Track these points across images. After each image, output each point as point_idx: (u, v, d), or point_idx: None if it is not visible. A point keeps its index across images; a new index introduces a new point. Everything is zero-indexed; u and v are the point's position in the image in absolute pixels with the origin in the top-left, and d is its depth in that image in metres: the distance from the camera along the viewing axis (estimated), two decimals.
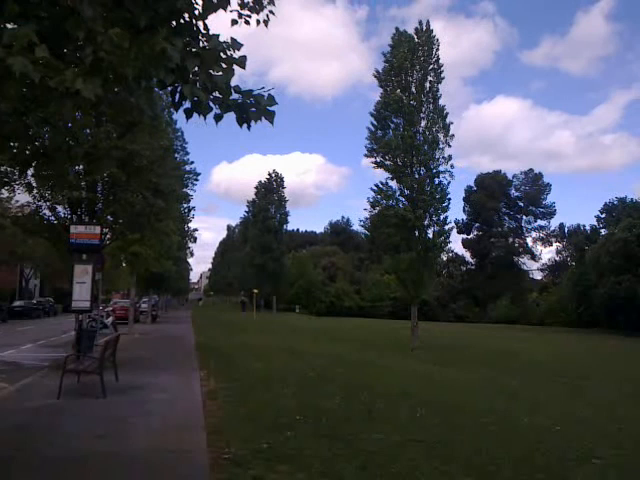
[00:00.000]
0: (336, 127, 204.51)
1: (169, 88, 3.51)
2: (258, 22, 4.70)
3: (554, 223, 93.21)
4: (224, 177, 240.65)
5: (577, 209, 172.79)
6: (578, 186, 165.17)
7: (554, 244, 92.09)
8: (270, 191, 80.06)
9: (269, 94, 3.52)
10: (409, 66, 30.20)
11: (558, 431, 9.65)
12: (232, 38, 3.61)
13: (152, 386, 12.31)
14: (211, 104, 3.55)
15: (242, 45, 3.61)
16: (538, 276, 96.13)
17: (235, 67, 3.73)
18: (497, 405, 12.19)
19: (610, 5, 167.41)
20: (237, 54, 3.73)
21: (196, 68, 3.47)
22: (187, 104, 3.59)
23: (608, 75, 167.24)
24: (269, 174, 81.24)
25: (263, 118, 3.53)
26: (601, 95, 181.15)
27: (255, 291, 57.65)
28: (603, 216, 74.17)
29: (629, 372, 22.52)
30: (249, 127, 3.57)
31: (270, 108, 3.49)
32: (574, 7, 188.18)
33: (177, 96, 3.47)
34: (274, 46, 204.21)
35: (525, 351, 30.10)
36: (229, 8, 4.08)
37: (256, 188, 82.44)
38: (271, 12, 4.69)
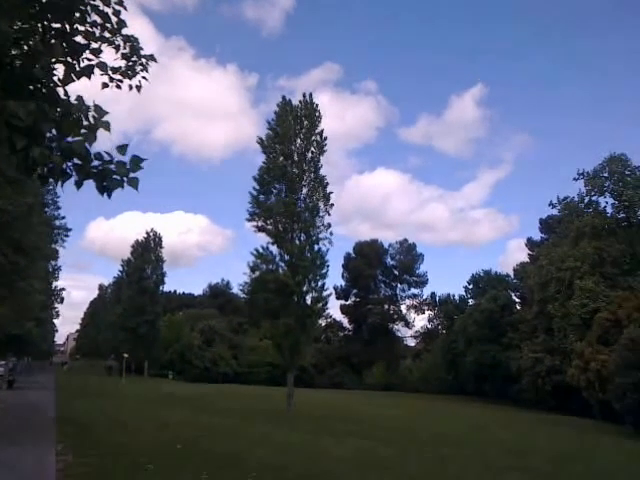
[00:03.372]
0: (223, 189, 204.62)
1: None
2: (130, 87, 4.61)
3: (426, 292, 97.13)
4: (100, 234, 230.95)
5: (448, 279, 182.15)
6: (449, 257, 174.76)
7: (426, 312, 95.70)
8: (147, 250, 77.68)
9: (133, 158, 3.37)
10: (293, 135, 31.04)
11: None
12: (96, 105, 3.47)
13: None
14: (69, 170, 3.35)
15: (107, 113, 3.47)
16: (412, 343, 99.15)
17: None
18: (369, 477, 12.15)
19: (482, 92, 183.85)
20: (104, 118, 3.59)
21: (54, 132, 3.29)
22: (42, 169, 3.37)
23: (477, 155, 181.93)
24: (147, 233, 79.10)
25: (126, 185, 3.37)
26: (471, 173, 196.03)
27: (125, 355, 54.76)
28: (470, 287, 78.48)
29: (492, 440, 23.44)
30: (109, 195, 3.40)
31: (134, 174, 3.34)
32: (449, 91, 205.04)
33: (29, 160, 3.25)
34: (161, 105, 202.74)
35: (396, 419, 30.57)
36: (99, 72, 3.98)
37: (132, 247, 79.77)
38: (144, 78, 4.62)
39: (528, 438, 25.66)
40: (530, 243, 74.20)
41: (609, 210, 52.04)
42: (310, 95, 32.13)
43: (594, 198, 52.50)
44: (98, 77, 4.14)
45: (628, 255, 48.91)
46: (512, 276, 72.74)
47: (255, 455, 13.79)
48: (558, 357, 49.67)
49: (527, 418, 40.46)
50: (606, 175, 51.14)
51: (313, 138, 31.33)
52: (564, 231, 55.68)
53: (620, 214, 51.19)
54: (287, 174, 30.61)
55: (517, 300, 69.40)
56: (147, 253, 77.55)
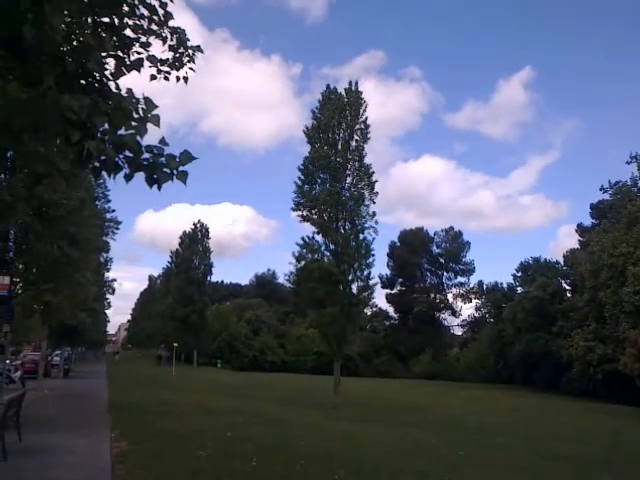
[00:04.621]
0: (268, 180, 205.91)
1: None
2: (178, 79, 4.66)
3: (473, 280, 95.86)
4: (149, 226, 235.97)
5: (496, 267, 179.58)
6: (497, 244, 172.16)
7: (473, 300, 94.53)
8: (195, 242, 78.91)
9: (184, 152, 3.42)
10: (336, 124, 30.91)
11: None
12: (146, 98, 3.52)
13: (58, 448, 11.55)
14: (121, 163, 3.42)
15: (157, 106, 3.53)
16: (458, 332, 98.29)
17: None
18: (416, 465, 12.11)
19: (530, 76, 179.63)
20: (154, 112, 3.64)
21: (105, 126, 3.36)
22: (95, 162, 3.45)
23: (525, 140, 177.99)
24: (194, 224, 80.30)
25: (175, 178, 3.42)
26: (519, 159, 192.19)
27: (175, 344, 55.87)
28: (519, 274, 76.99)
29: (538, 430, 23.06)
30: (159, 188, 3.45)
31: (183, 168, 3.39)
32: (496, 75, 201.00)
33: (84, 153, 3.33)
34: (206, 97, 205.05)
35: (444, 408, 30.36)
36: (147, 64, 4.05)
37: (180, 238, 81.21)
38: (191, 69, 4.67)
39: (580, 427, 25.14)
40: (580, 229, 72.38)
41: None
42: (356, 83, 31.91)
43: None
44: (146, 69, 4.21)
45: None
46: (562, 263, 71.10)
47: (303, 443, 13.90)
48: (610, 345, 48.56)
49: (577, 407, 39.61)
50: None
51: (357, 127, 31.13)
52: (616, 216, 54.03)
53: None
54: (331, 163, 30.54)
55: (567, 288, 67.83)
56: (194, 244, 78.76)
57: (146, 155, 3.42)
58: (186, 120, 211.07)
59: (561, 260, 71.84)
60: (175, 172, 3.40)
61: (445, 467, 12.16)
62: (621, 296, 45.64)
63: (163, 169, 3.38)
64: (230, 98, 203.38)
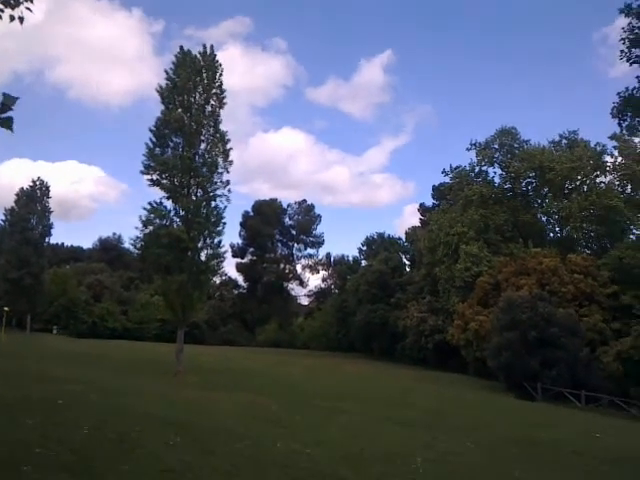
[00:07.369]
0: (120, 139, 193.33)
1: None
2: (12, 18, 4.28)
3: (322, 252, 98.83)
4: None
5: (347, 240, 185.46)
6: (349, 219, 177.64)
7: (321, 272, 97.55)
8: (33, 200, 73.31)
9: (4, 95, 3.16)
10: (192, 87, 30.13)
11: (308, 454, 10.09)
12: None
13: None
14: None
15: None
16: (305, 302, 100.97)
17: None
18: (254, 429, 12.40)
19: (390, 59, 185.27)
20: None
21: None
22: None
23: (381, 121, 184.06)
24: (33, 181, 74.48)
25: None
26: (374, 138, 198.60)
27: (5, 308, 51.88)
28: (364, 248, 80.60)
29: (372, 396, 24.54)
30: None
31: (4, 115, 3.14)
32: (358, 55, 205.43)
33: None
34: (58, 44, 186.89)
35: (285, 375, 31.25)
36: None
37: (17, 195, 75.01)
38: (28, 9, 4.32)
39: (410, 393, 27.10)
40: (422, 208, 76.93)
41: (497, 180, 55.13)
42: (211, 47, 31.22)
43: (484, 168, 55.33)
44: None
45: (510, 223, 52.18)
46: (404, 239, 75.40)
47: (140, 410, 13.66)
48: (441, 317, 52.50)
49: (409, 374, 42.61)
50: (496, 147, 53.94)
51: (213, 91, 30.57)
52: (454, 198, 58.22)
53: (506, 184, 54.28)
54: (185, 127, 29.77)
55: (407, 262, 72.22)
56: (32, 203, 73.20)
57: None
58: (33, 68, 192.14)
59: (403, 236, 76.27)
60: None
61: (283, 431, 12.58)
62: (453, 272, 49.53)
63: None
64: (84, 49, 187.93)
